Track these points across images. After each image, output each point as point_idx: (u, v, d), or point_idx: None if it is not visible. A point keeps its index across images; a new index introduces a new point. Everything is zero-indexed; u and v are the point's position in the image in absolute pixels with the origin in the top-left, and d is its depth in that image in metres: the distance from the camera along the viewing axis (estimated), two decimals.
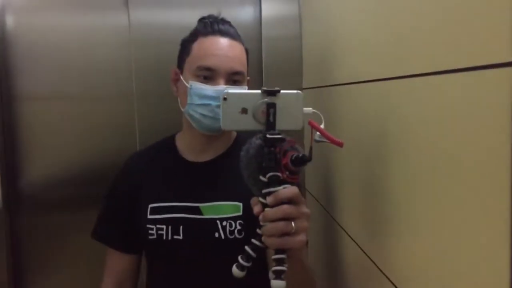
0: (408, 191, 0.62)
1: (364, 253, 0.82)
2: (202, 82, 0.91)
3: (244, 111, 0.67)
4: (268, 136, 0.66)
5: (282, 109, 0.66)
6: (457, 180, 0.49)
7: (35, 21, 1.38)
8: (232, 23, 1.00)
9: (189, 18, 1.44)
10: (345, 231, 0.95)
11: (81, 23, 1.39)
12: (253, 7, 1.44)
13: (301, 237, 0.66)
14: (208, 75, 0.91)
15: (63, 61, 1.39)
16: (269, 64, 1.41)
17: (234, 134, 1.05)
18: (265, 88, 0.66)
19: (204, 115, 0.91)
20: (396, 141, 0.66)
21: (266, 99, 0.66)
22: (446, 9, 0.51)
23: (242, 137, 1.02)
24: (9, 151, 1.39)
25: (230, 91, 0.68)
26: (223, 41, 0.93)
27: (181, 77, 0.96)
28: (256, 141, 0.68)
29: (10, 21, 1.37)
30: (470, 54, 0.46)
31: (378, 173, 0.74)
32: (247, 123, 0.67)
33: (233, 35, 0.95)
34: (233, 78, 0.92)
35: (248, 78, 0.99)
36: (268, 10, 1.41)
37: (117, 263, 1.03)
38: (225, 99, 0.67)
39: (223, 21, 0.98)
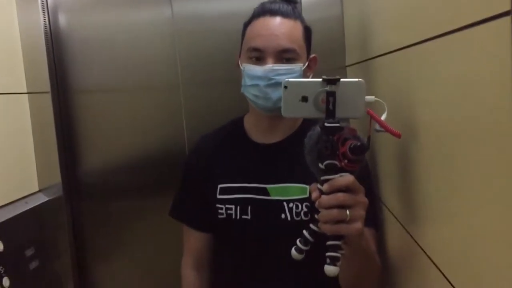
0: (451, 170, 0.59)
1: (408, 233, 0.82)
2: (253, 63, 0.92)
3: (305, 99, 0.68)
4: (326, 124, 0.67)
5: (342, 97, 0.67)
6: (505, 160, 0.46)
7: (85, 18, 1.43)
8: None
9: (231, 7, 1.47)
10: (390, 212, 0.95)
11: (127, 17, 1.43)
12: None
13: (357, 225, 0.67)
14: (257, 56, 0.92)
15: (112, 55, 1.44)
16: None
17: None
18: (325, 77, 0.67)
19: (256, 96, 0.92)
20: (434, 110, 0.63)
21: (326, 88, 0.67)
22: None
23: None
24: (67, 141, 1.46)
25: (290, 79, 0.70)
26: (272, 20, 0.93)
27: (239, 61, 0.98)
28: (318, 128, 0.69)
29: (62, 19, 1.43)
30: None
31: (419, 151, 0.71)
32: (308, 111, 0.69)
33: (286, 13, 0.94)
34: (284, 56, 0.91)
35: (313, 55, 0.99)
36: None
37: (193, 242, 1.08)
38: (285, 87, 0.69)
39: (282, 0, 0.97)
